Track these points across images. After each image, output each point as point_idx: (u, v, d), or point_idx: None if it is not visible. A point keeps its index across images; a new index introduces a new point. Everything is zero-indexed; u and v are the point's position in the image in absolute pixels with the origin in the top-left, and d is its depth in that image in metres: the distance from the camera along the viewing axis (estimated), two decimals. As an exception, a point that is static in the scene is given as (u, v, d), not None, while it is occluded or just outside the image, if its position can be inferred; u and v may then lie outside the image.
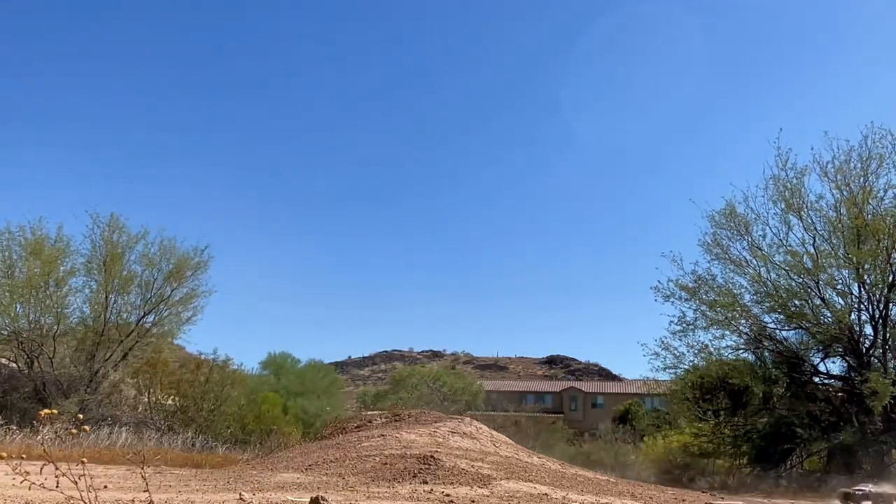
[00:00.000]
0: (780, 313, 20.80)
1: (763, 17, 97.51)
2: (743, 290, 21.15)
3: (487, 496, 6.98)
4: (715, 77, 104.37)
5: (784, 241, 20.37)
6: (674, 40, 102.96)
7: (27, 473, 3.58)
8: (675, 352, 21.61)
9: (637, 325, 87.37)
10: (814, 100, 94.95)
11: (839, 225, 19.77)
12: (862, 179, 19.56)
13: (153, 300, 24.27)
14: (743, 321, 21.13)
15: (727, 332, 21.25)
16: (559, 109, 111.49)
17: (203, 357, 25.77)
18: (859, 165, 19.59)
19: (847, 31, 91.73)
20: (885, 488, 12.77)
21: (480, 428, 14.82)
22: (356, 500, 6.31)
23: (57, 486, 3.62)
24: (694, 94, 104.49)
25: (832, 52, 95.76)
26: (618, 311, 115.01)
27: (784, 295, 20.29)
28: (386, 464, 9.00)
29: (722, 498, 9.86)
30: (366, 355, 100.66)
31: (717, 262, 21.31)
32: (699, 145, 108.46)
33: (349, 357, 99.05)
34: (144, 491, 4.51)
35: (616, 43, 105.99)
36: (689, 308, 21.37)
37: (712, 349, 21.34)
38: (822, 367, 21.45)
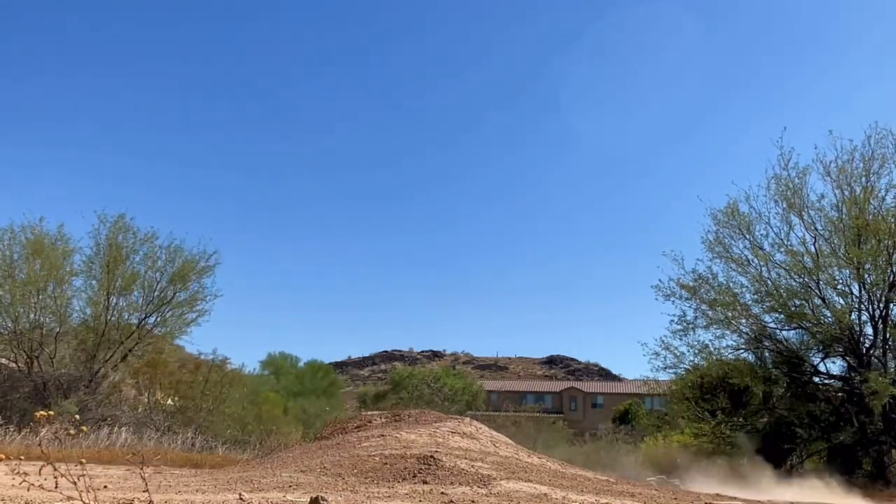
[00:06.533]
0: (780, 313, 20.76)
1: (764, 16, 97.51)
2: (744, 290, 21.13)
3: (487, 496, 6.98)
4: (716, 76, 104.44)
5: (785, 241, 20.35)
6: (674, 39, 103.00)
7: (26, 474, 3.57)
8: (676, 351, 21.61)
9: (637, 325, 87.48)
10: (817, 98, 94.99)
11: (840, 225, 19.75)
12: (864, 179, 19.56)
13: (156, 302, 24.16)
14: (743, 321, 21.11)
15: (727, 332, 21.24)
16: (559, 108, 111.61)
17: (202, 357, 25.74)
18: (861, 165, 19.58)
19: (848, 29, 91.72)
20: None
21: (480, 428, 14.80)
22: (356, 500, 6.31)
23: (56, 487, 3.61)
24: (695, 94, 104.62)
25: (834, 51, 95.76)
26: (618, 310, 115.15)
27: (784, 295, 20.26)
28: (386, 464, 8.99)
29: (722, 498, 9.86)
30: (366, 355, 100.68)
31: (718, 260, 21.28)
32: (700, 145, 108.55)
33: (349, 357, 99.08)
34: (144, 491, 4.51)
35: (616, 42, 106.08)
36: (690, 307, 21.37)
37: (712, 349, 21.33)
38: (822, 367, 21.43)
